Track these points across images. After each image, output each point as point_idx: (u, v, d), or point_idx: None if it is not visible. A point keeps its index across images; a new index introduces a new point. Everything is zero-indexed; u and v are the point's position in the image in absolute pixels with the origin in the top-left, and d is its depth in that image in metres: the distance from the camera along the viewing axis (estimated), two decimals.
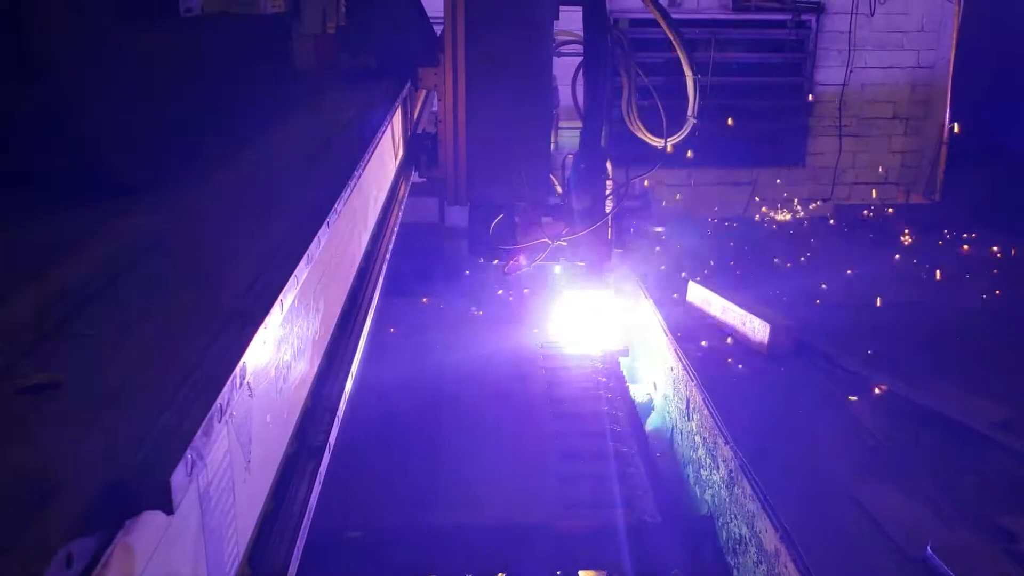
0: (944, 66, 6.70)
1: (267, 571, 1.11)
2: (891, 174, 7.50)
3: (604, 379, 3.63)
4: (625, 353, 3.96)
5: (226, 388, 0.89)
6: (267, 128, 2.18)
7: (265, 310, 1.06)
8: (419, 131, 3.18)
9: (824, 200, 7.36)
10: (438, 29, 3.11)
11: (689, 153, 5.11)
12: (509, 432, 3.14)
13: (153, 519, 0.77)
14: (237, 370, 0.93)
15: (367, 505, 2.70)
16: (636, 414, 3.41)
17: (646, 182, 5.04)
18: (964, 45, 5.61)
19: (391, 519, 2.64)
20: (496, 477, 2.84)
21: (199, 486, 0.88)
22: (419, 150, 3.02)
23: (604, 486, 2.83)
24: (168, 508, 0.74)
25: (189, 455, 0.78)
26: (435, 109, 3.12)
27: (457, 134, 2.92)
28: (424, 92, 3.34)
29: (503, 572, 2.59)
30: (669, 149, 3.25)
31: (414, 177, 3.12)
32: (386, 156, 2.57)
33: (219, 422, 0.88)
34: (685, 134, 3.26)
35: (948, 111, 5.77)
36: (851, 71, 7.15)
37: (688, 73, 3.12)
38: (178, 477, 0.75)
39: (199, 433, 0.81)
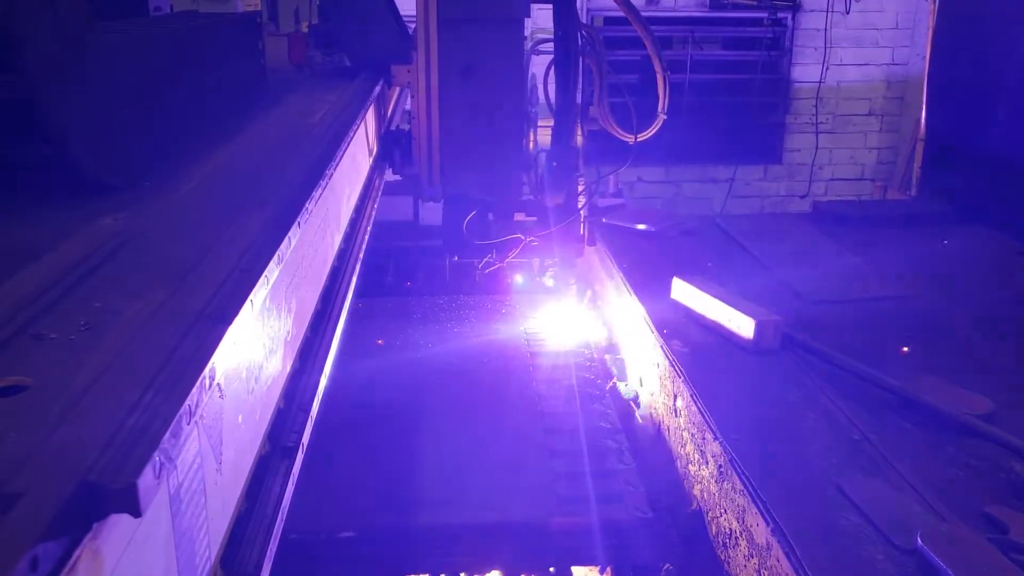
0: (918, 63, 6.78)
1: (240, 573, 1.10)
2: (867, 170, 7.59)
3: (591, 376, 3.64)
4: (611, 350, 3.98)
5: (195, 389, 0.89)
6: (238, 127, 2.17)
7: (235, 311, 1.05)
8: (393, 128, 3.18)
9: (801, 196, 7.43)
10: (411, 28, 3.12)
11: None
12: (495, 430, 3.13)
13: (121, 522, 0.76)
14: (206, 371, 0.93)
15: (355, 506, 2.68)
16: (624, 410, 3.43)
17: (611, 179, 5.07)
18: (940, 41, 5.67)
19: (379, 519, 2.63)
20: (482, 475, 2.84)
21: (169, 488, 0.88)
22: (393, 147, 3.03)
23: (595, 483, 2.83)
24: (136, 511, 0.73)
25: (157, 457, 0.77)
26: (408, 107, 3.13)
27: (431, 131, 2.92)
28: (397, 89, 3.34)
29: (497, 569, 2.59)
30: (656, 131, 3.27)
31: (388, 175, 3.12)
32: (359, 154, 2.57)
33: (188, 424, 0.88)
34: (655, 130, 3.29)
35: (924, 107, 5.83)
36: (827, 68, 7.22)
37: (658, 70, 3.14)
38: (146, 479, 0.74)
39: (167, 435, 0.80)
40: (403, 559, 2.55)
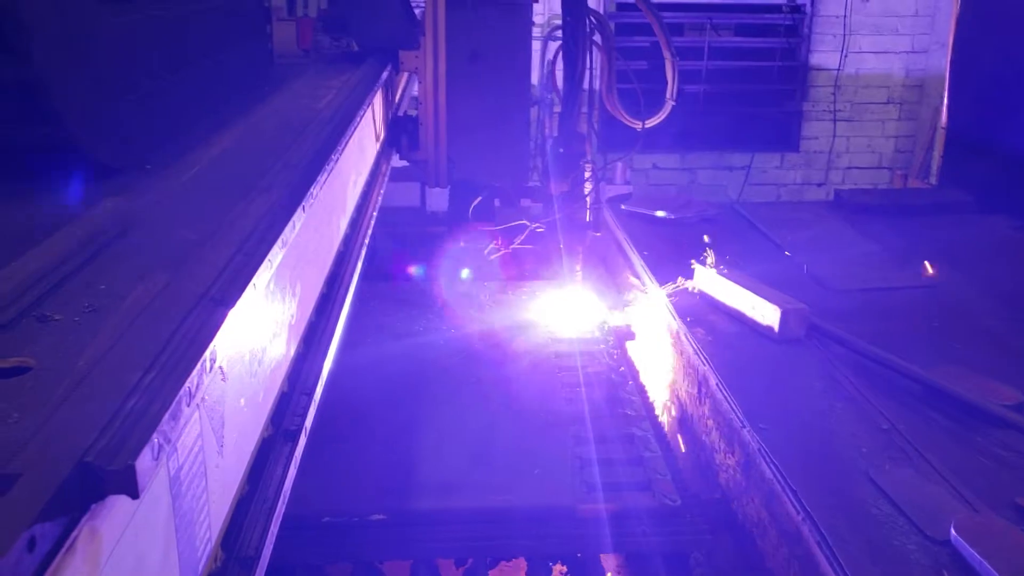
0: (938, 51, 6.70)
1: (240, 555, 1.11)
2: (885, 159, 7.51)
3: (614, 363, 3.62)
4: (632, 337, 3.96)
5: (195, 371, 0.89)
6: (244, 111, 2.16)
7: (237, 293, 1.05)
8: (400, 114, 3.17)
9: (819, 185, 7.37)
10: (419, 13, 3.10)
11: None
12: (520, 417, 3.11)
13: (120, 503, 0.77)
14: (207, 353, 0.93)
15: (380, 489, 2.69)
16: (648, 398, 3.42)
17: (619, 166, 5.05)
18: (963, 30, 5.60)
19: (402, 503, 2.63)
20: (506, 461, 2.83)
21: (168, 470, 0.88)
22: (400, 133, 3.02)
23: (622, 470, 2.82)
24: (133, 492, 0.73)
25: (156, 439, 0.77)
26: (415, 93, 3.12)
27: (438, 117, 2.92)
28: (406, 75, 3.33)
29: (523, 555, 2.59)
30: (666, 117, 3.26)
31: (396, 160, 3.11)
32: (366, 139, 2.56)
33: (188, 406, 0.88)
34: (663, 116, 3.27)
35: (946, 96, 5.75)
36: (846, 56, 7.13)
37: (667, 56, 3.12)
38: (144, 461, 0.74)
39: (166, 417, 0.80)
40: (427, 543, 2.55)
